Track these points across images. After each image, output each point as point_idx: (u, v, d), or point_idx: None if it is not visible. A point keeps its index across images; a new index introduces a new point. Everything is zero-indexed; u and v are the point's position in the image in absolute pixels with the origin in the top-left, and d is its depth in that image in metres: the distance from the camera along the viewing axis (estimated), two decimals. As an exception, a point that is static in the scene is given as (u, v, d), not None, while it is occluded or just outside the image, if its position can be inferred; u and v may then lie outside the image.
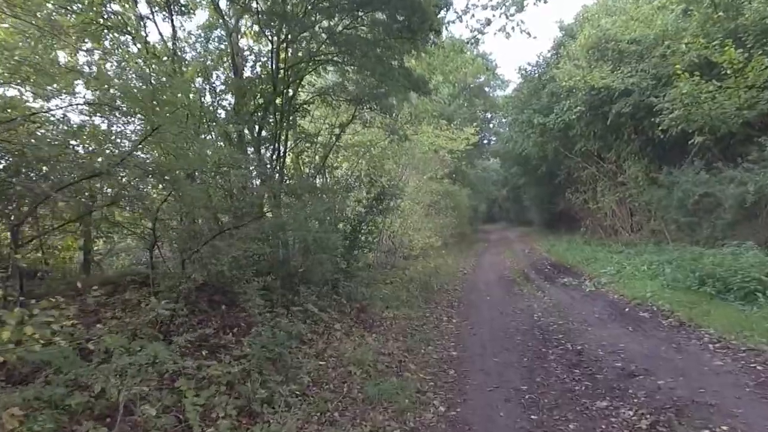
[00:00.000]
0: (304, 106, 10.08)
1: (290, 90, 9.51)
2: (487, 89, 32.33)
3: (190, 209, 5.17)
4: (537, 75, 20.42)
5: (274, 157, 9.67)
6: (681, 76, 10.37)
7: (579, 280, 10.39)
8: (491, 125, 32.34)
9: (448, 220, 23.25)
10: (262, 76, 9.31)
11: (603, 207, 19.35)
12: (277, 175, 9.33)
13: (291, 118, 9.75)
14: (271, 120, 9.25)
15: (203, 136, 7.71)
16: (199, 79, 8.67)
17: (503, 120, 23.47)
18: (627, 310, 7.10)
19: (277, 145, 9.52)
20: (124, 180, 4.76)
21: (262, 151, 9.37)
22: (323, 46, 8.71)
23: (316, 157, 11.64)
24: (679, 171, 12.04)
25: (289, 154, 11.39)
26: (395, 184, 12.24)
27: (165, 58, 7.12)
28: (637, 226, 18.07)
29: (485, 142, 33.11)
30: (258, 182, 9.17)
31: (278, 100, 9.22)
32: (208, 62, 8.89)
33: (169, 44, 7.49)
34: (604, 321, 6.59)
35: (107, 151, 4.62)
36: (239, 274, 5.47)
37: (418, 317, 7.67)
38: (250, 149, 9.15)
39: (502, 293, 9.91)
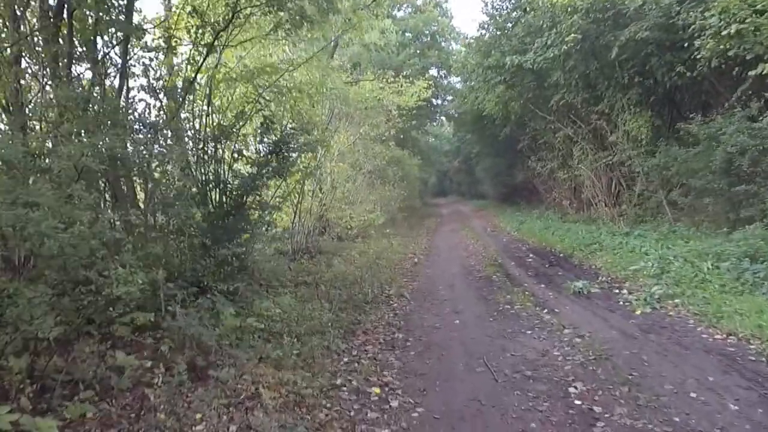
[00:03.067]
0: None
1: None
2: (443, 43, 28.00)
3: None
4: (507, 10, 16.31)
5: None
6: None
7: (599, 282, 6.53)
8: (445, 82, 28.21)
9: (396, 192, 19.24)
10: None
11: (580, 176, 15.85)
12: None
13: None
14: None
15: None
16: None
17: (462, 71, 19.38)
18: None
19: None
20: None
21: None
22: None
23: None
24: (724, 119, 8.35)
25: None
26: (308, 130, 7.85)
27: None
28: (616, 199, 14.73)
29: (438, 102, 28.98)
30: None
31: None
32: None
33: None
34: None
35: None
36: None
37: (316, 393, 3.46)
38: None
39: (479, 310, 5.86)
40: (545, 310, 5.41)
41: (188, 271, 5.13)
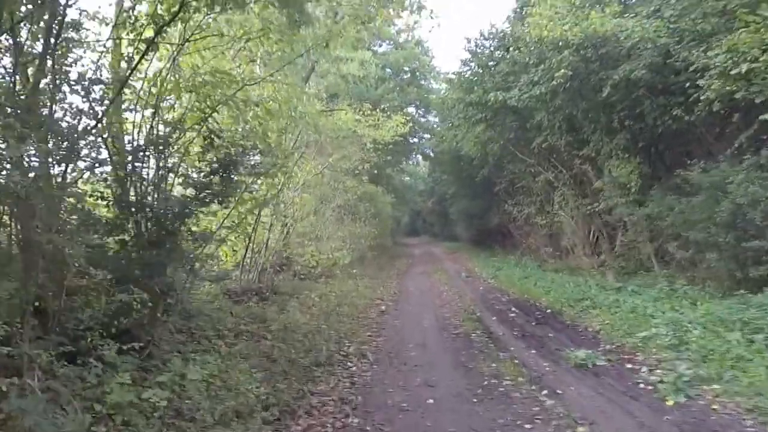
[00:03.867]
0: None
1: None
2: (422, 81, 27.67)
3: None
4: (490, 48, 15.86)
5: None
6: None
7: (604, 352, 5.35)
8: (423, 120, 27.75)
9: (367, 230, 18.13)
10: None
11: (560, 222, 15.13)
12: None
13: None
14: None
15: None
16: None
17: (442, 108, 18.76)
18: None
19: None
20: None
21: None
22: None
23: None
24: (730, 168, 7.60)
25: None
26: (263, 151, 6.66)
27: None
28: (595, 249, 14.02)
29: (415, 140, 28.41)
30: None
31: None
32: None
33: None
34: None
35: None
36: None
37: None
38: None
39: (459, 385, 4.61)
40: (544, 391, 4.20)
41: (70, 322, 3.77)
